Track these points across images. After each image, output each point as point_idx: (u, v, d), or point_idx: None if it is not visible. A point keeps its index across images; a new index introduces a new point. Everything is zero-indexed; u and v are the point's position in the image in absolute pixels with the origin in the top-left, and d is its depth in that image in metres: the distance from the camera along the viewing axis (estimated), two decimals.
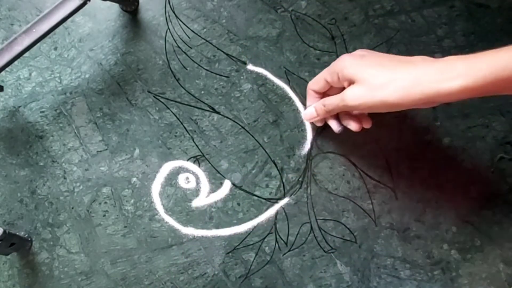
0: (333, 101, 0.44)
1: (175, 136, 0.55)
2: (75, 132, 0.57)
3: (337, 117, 0.48)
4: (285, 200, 0.53)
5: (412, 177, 0.51)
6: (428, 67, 0.37)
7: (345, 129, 0.48)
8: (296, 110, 0.54)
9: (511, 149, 0.50)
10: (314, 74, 0.53)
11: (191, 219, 0.54)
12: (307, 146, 0.53)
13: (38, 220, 0.56)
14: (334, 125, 0.48)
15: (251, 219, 0.53)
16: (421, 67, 0.37)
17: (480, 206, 0.50)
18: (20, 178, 0.57)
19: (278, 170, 0.53)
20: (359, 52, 0.44)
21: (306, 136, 0.53)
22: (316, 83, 0.47)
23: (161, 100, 0.55)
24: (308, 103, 0.50)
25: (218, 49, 0.55)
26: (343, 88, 0.43)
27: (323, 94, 0.48)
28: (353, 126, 0.46)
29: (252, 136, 0.54)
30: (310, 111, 0.48)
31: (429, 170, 0.51)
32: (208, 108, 0.55)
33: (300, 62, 0.54)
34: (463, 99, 0.36)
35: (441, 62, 0.36)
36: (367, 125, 0.47)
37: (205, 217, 0.54)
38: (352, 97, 0.40)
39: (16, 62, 0.50)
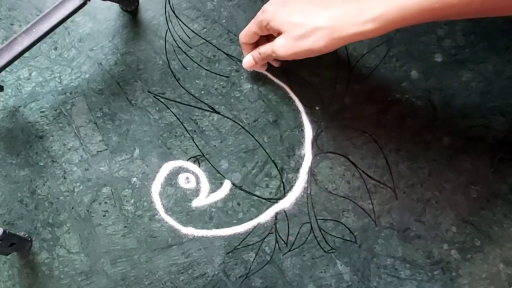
0: (266, 49, 0.46)
1: (175, 136, 0.55)
2: (75, 132, 0.57)
3: None
4: (285, 200, 0.53)
5: (412, 177, 0.51)
6: (345, 9, 0.39)
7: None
8: (296, 110, 0.54)
9: (511, 149, 0.50)
10: (314, 74, 0.54)
11: (191, 219, 0.54)
12: (307, 146, 0.53)
13: (38, 220, 0.56)
14: (274, 63, 0.52)
15: (251, 219, 0.53)
16: (338, 10, 0.40)
17: (480, 206, 0.50)
18: (20, 178, 0.57)
19: (278, 170, 0.53)
20: None
21: (306, 136, 0.53)
22: (246, 35, 0.49)
23: (161, 100, 0.55)
24: (244, 54, 0.52)
25: (218, 49, 0.55)
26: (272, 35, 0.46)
27: (256, 44, 0.50)
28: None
29: (252, 136, 0.54)
30: (248, 59, 0.50)
31: (429, 170, 0.51)
32: (208, 108, 0.55)
33: (300, 62, 0.54)
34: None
35: (357, 4, 0.39)
36: (276, 64, 0.53)
37: (205, 217, 0.54)
38: (281, 48, 0.43)
39: (16, 62, 0.50)
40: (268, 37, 0.49)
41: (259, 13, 0.46)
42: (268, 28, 0.45)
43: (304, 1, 0.43)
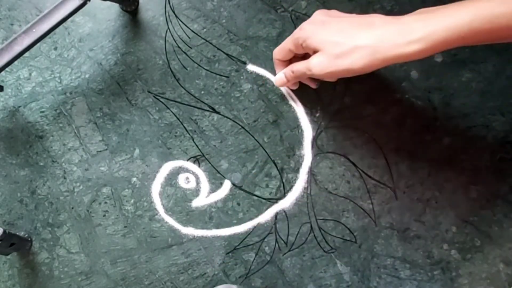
0: (300, 67, 0.45)
1: (175, 136, 0.55)
2: (75, 132, 0.57)
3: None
4: (285, 200, 0.53)
5: (412, 177, 0.51)
6: (387, 30, 0.38)
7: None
8: (296, 110, 0.54)
9: (511, 149, 0.50)
10: None
11: (191, 219, 0.54)
12: (307, 146, 0.53)
13: (38, 220, 0.56)
14: (311, 84, 0.50)
15: (251, 219, 0.53)
16: (380, 31, 0.38)
17: (480, 206, 0.50)
18: (20, 178, 0.57)
19: (278, 170, 0.53)
20: (318, 17, 0.44)
21: (306, 136, 0.53)
22: (280, 52, 0.48)
23: (161, 100, 0.55)
24: (277, 70, 0.51)
25: (218, 49, 0.55)
26: (308, 54, 0.44)
27: (289, 61, 0.49)
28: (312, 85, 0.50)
29: (252, 136, 0.54)
30: (280, 77, 0.49)
31: (429, 170, 0.51)
32: (208, 108, 0.55)
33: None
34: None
35: (399, 24, 0.38)
36: (314, 86, 0.50)
37: (205, 217, 0.54)
38: (318, 66, 0.42)
39: (16, 62, 0.50)
40: (304, 56, 0.47)
41: (296, 30, 0.45)
42: (304, 46, 0.43)
43: (343, 22, 0.42)
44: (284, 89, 0.53)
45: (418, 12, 0.38)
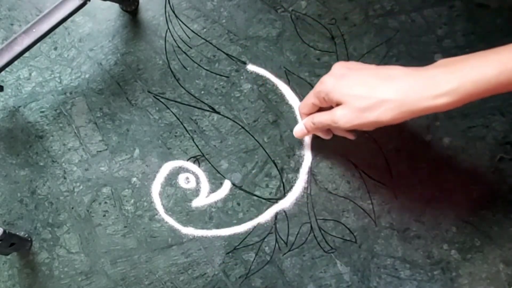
0: (323, 119, 0.44)
1: (175, 136, 0.55)
2: (75, 132, 0.57)
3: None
4: (285, 200, 0.53)
5: (412, 177, 0.51)
6: (412, 83, 0.37)
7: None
8: (296, 110, 0.54)
9: (511, 149, 0.50)
10: (314, 74, 0.54)
11: (191, 219, 0.54)
12: (307, 146, 0.53)
13: (38, 220, 0.56)
14: (349, 136, 0.49)
15: (251, 219, 0.53)
16: (404, 84, 0.38)
17: (480, 206, 0.50)
18: (20, 178, 0.57)
19: (278, 170, 0.53)
20: (338, 70, 0.44)
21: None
22: (305, 107, 0.48)
23: (161, 100, 0.55)
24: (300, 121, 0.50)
25: (218, 49, 0.55)
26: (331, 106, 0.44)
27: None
28: (349, 136, 0.49)
29: (252, 136, 0.54)
30: (301, 128, 0.49)
31: (429, 170, 0.51)
32: (208, 108, 0.55)
33: (300, 62, 0.54)
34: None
35: (424, 77, 0.37)
36: (352, 137, 0.49)
37: (205, 217, 0.54)
38: (344, 119, 0.41)
39: (16, 62, 0.50)
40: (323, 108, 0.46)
41: (317, 85, 0.44)
42: (327, 99, 0.43)
43: (363, 74, 0.41)
44: (307, 138, 0.53)
45: (441, 64, 0.38)
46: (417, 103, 0.37)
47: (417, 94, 0.37)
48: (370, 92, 0.39)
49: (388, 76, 0.39)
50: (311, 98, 0.46)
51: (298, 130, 0.49)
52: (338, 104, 0.42)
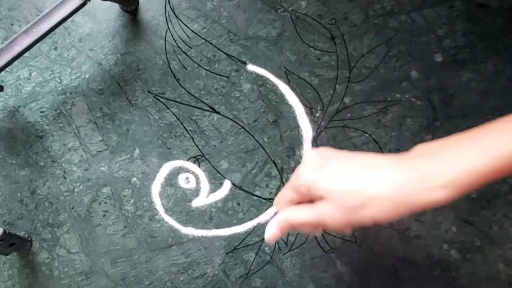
0: (304, 218, 0.36)
1: (175, 136, 0.55)
2: (75, 132, 0.57)
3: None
4: None
5: None
6: (403, 176, 0.34)
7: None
8: (296, 110, 0.54)
9: None
10: (314, 74, 0.53)
11: (191, 219, 0.54)
12: (307, 146, 0.53)
13: (38, 220, 0.56)
14: (314, 232, 0.39)
15: (251, 219, 0.53)
16: (395, 176, 0.34)
17: (480, 206, 0.50)
18: (20, 178, 0.57)
19: (278, 170, 0.53)
20: (315, 159, 0.37)
21: (306, 136, 0.53)
22: (282, 205, 0.39)
23: (161, 100, 0.55)
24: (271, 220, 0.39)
25: (218, 49, 0.55)
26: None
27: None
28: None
29: (252, 136, 0.54)
30: (272, 232, 0.38)
31: None
32: (208, 108, 0.55)
33: (300, 62, 0.54)
34: None
35: (413, 169, 0.34)
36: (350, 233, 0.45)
37: (205, 217, 0.54)
38: (334, 221, 0.35)
39: (16, 62, 0.50)
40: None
41: (293, 178, 0.38)
42: (311, 194, 0.36)
43: (345, 164, 0.36)
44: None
45: (425, 152, 0.34)
46: (412, 199, 0.33)
47: (410, 188, 0.33)
48: (357, 187, 0.34)
49: (371, 165, 0.35)
50: (288, 193, 0.38)
51: (270, 234, 0.38)
52: (321, 198, 0.36)
